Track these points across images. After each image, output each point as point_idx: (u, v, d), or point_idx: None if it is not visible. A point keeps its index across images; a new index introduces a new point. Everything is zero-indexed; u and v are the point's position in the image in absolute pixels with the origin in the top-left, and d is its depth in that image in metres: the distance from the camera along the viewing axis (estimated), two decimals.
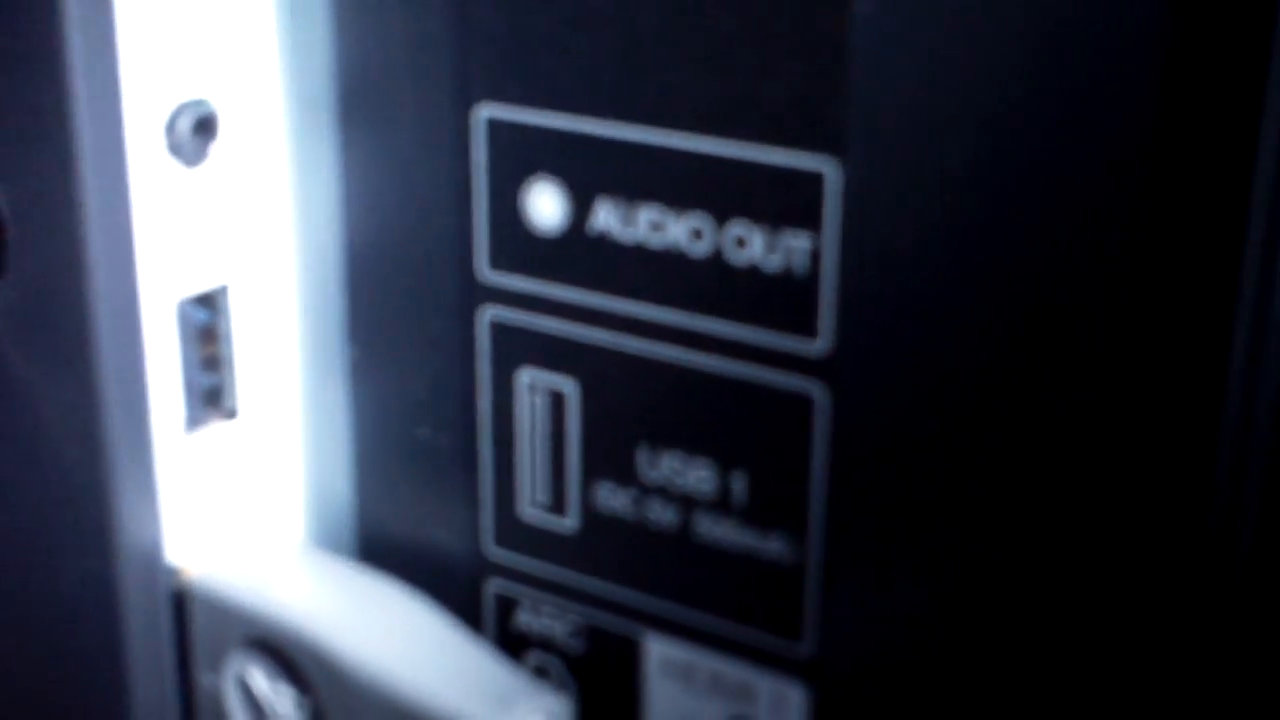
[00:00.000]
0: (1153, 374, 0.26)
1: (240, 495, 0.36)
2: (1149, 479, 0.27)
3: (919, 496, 0.29)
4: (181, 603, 0.35)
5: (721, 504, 0.31)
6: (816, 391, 0.29)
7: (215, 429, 0.36)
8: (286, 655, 0.33)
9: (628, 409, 0.32)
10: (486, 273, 0.33)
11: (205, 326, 0.35)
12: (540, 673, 0.34)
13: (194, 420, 0.35)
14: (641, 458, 0.32)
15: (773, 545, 0.31)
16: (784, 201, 0.29)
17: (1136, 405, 0.27)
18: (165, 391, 0.34)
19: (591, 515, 0.33)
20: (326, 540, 0.37)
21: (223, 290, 0.35)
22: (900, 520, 0.29)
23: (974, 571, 0.29)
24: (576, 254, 0.31)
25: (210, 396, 0.35)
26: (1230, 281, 0.25)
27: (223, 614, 0.34)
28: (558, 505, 0.33)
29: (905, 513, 0.29)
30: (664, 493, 0.32)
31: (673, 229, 0.30)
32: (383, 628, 0.33)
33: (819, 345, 0.29)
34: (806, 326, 0.29)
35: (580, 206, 0.31)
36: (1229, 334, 0.25)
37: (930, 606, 0.29)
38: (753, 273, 0.29)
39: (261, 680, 0.34)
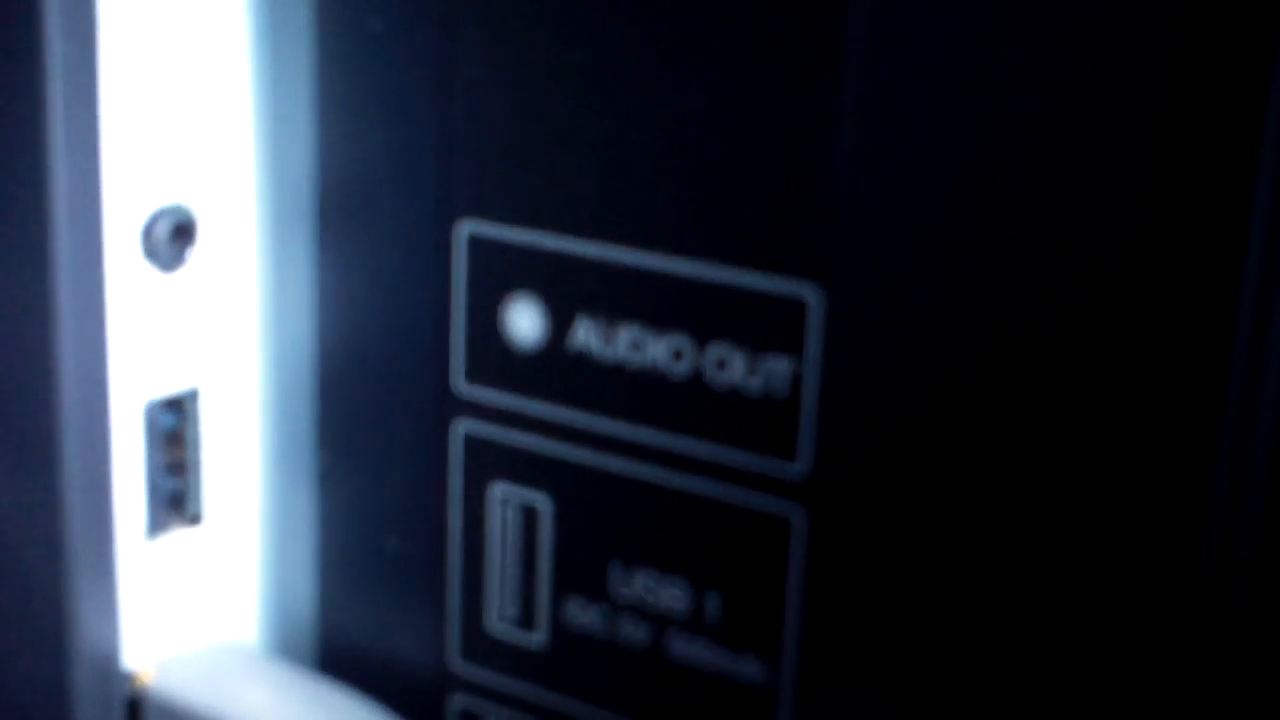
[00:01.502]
0: (1140, 452, 0.27)
1: (200, 602, 0.36)
2: (1139, 559, 0.27)
3: (897, 621, 0.29)
4: (136, 709, 0.35)
5: (695, 623, 0.31)
6: (794, 514, 0.29)
7: (178, 534, 0.35)
8: None
9: (601, 526, 0.32)
10: (462, 386, 0.33)
11: (172, 431, 0.35)
12: None
13: (156, 525, 0.35)
14: (614, 575, 0.32)
15: (746, 667, 0.31)
16: (766, 325, 0.29)
17: (1126, 489, 0.27)
18: (129, 495, 0.34)
19: (561, 631, 0.33)
20: (286, 648, 0.36)
21: (192, 394, 0.35)
22: (877, 645, 0.29)
23: (956, 697, 0.29)
24: (554, 371, 0.31)
25: (174, 501, 0.35)
26: (1227, 319, 0.25)
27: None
28: (527, 620, 0.33)
29: (882, 637, 0.29)
30: (636, 610, 0.32)
31: (653, 349, 0.30)
32: None
33: (798, 468, 0.29)
34: (786, 449, 0.29)
35: (560, 323, 0.31)
36: (1223, 374, 0.25)
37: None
38: (733, 394, 0.30)
39: None
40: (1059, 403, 0.27)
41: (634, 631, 0.32)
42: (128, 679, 0.34)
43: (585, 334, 0.31)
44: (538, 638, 0.33)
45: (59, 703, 0.34)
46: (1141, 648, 0.27)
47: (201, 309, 0.34)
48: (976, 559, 0.28)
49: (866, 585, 0.29)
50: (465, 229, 0.32)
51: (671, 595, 0.31)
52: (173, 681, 0.34)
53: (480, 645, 0.34)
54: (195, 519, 0.36)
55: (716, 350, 0.30)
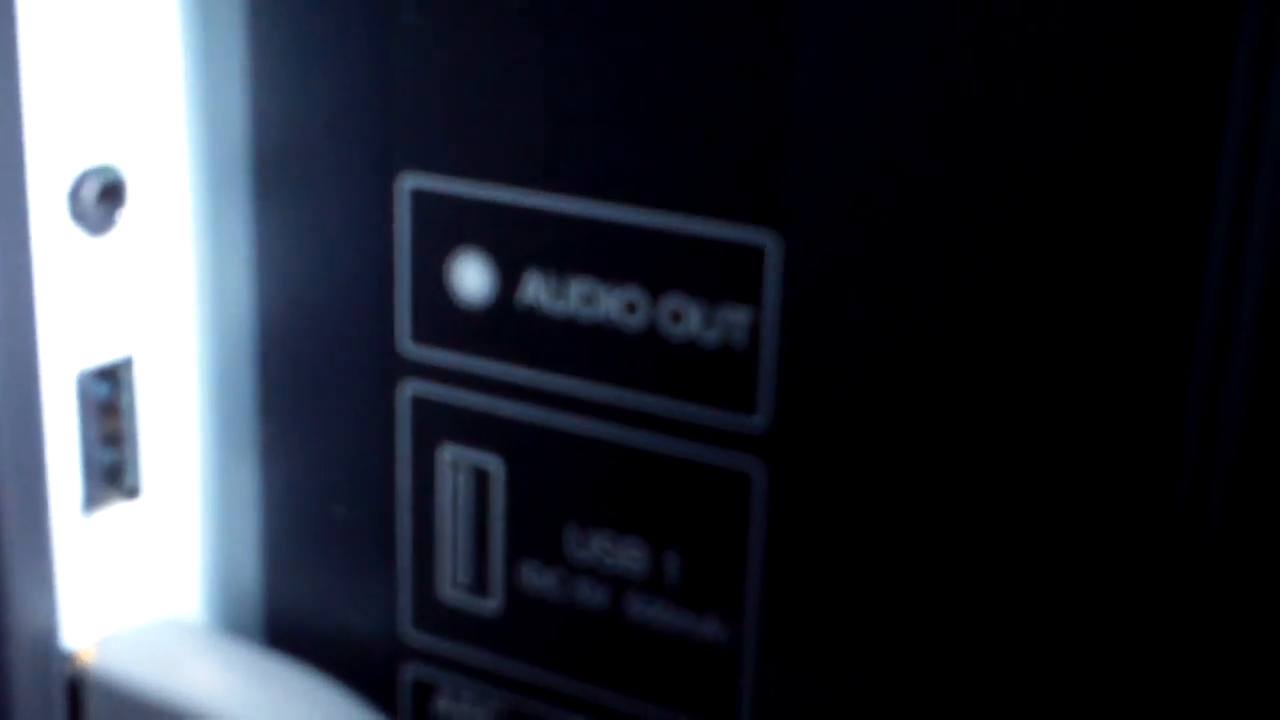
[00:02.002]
0: (1105, 438, 0.26)
1: (141, 578, 0.35)
2: (1106, 547, 0.26)
3: (861, 578, 0.28)
4: (76, 690, 0.33)
5: (654, 584, 0.30)
6: (755, 468, 0.29)
7: (115, 509, 0.34)
8: None
9: (556, 487, 0.31)
10: (408, 346, 0.32)
11: (106, 401, 0.34)
12: None
13: (93, 499, 0.34)
14: (570, 537, 0.31)
15: (707, 627, 0.30)
16: (722, 275, 0.28)
17: (1091, 477, 0.26)
18: (63, 469, 0.33)
19: (516, 596, 0.32)
20: (232, 623, 0.35)
21: (126, 362, 0.34)
22: (840, 602, 0.28)
23: (919, 655, 0.28)
24: (504, 327, 0.30)
25: (110, 474, 0.34)
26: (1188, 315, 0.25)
27: (121, 699, 0.33)
28: (480, 586, 0.32)
29: (846, 595, 0.28)
30: (593, 573, 0.31)
31: (605, 302, 0.29)
32: (290, 713, 0.32)
33: (757, 421, 0.28)
34: (744, 402, 0.28)
35: (508, 279, 0.30)
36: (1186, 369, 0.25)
37: (871, 691, 0.29)
38: (689, 347, 0.29)
39: None
40: (1024, 350, 0.26)
41: (592, 595, 0.31)
42: (68, 659, 0.33)
43: (535, 289, 0.30)
44: (492, 604, 0.32)
45: None
46: (1104, 596, 0.26)
47: (134, 274, 0.33)
48: (941, 513, 0.27)
49: (829, 541, 0.28)
50: (408, 183, 0.31)
51: (629, 556, 0.30)
52: (115, 660, 0.33)
53: (433, 613, 0.33)
54: (133, 492, 0.34)
55: (671, 302, 0.29)
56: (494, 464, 0.31)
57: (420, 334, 0.31)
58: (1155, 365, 0.25)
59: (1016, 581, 0.27)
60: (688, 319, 0.29)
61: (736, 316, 0.28)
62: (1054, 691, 0.27)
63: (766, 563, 0.29)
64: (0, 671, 0.33)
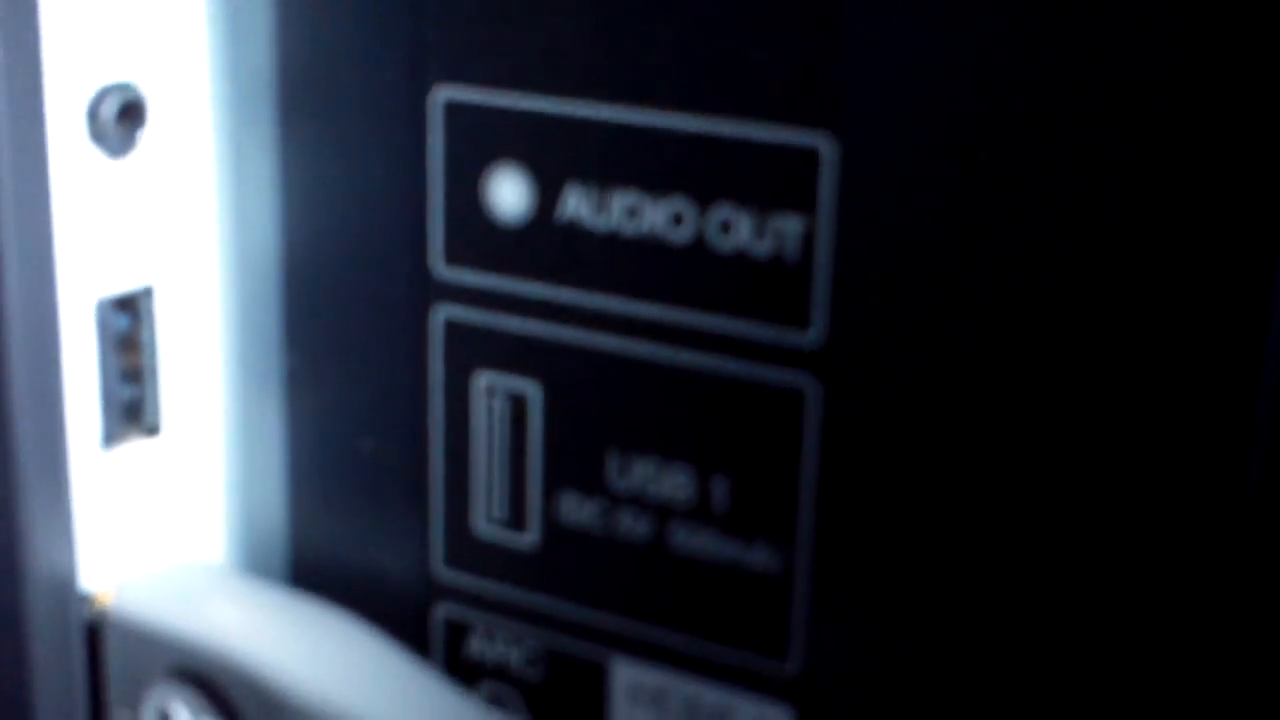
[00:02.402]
0: (1174, 368, 0.25)
1: (162, 517, 0.33)
2: (1168, 480, 0.25)
3: (917, 500, 0.27)
4: (95, 633, 0.32)
5: (700, 512, 0.29)
6: (807, 385, 0.27)
7: (135, 446, 0.33)
8: (214, 685, 0.31)
9: (596, 412, 0.29)
10: (441, 268, 0.30)
11: (126, 335, 0.32)
12: (495, 704, 0.32)
13: (112, 436, 0.32)
14: (611, 465, 0.29)
15: (757, 556, 0.28)
16: (774, 181, 0.27)
17: (1155, 401, 0.25)
18: (81, 404, 0.31)
19: (554, 530, 0.30)
20: (256, 565, 0.34)
21: (146, 292, 0.32)
22: (897, 526, 0.27)
23: (975, 582, 0.27)
24: (542, 245, 0.29)
25: (130, 411, 0.33)
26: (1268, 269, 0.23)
27: (142, 642, 0.31)
28: (516, 520, 0.31)
29: (902, 518, 0.27)
30: (636, 502, 0.29)
31: (650, 215, 0.28)
32: (320, 653, 0.31)
33: (811, 336, 0.27)
34: (797, 316, 0.27)
35: (547, 194, 0.29)
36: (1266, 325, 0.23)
37: (927, 621, 0.27)
38: (739, 259, 0.27)
39: (185, 715, 0.31)
40: (1094, 261, 0.25)
41: (634, 526, 0.29)
42: (86, 601, 0.32)
43: (575, 203, 0.29)
44: (529, 538, 0.31)
45: (13, 629, 0.31)
46: (1159, 544, 0.25)
47: (155, 198, 0.32)
48: (1001, 429, 0.26)
49: (885, 463, 0.27)
50: (441, 95, 0.29)
51: (674, 484, 0.29)
52: (135, 602, 0.32)
53: (467, 550, 0.31)
54: (153, 430, 0.33)
55: (720, 212, 0.27)
56: (531, 390, 0.30)
57: (454, 255, 0.30)
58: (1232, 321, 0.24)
59: (1081, 511, 0.26)
60: (737, 230, 0.27)
61: (789, 226, 0.27)
62: (1114, 631, 0.26)
63: (820, 486, 0.28)
64: (16, 614, 0.31)
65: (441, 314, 0.30)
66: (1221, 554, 0.25)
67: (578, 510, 0.30)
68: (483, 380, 0.30)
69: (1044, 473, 0.26)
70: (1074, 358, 0.25)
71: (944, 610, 0.27)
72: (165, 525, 0.33)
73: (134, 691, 0.32)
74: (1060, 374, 0.25)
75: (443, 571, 0.32)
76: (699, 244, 0.28)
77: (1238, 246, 0.24)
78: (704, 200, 0.27)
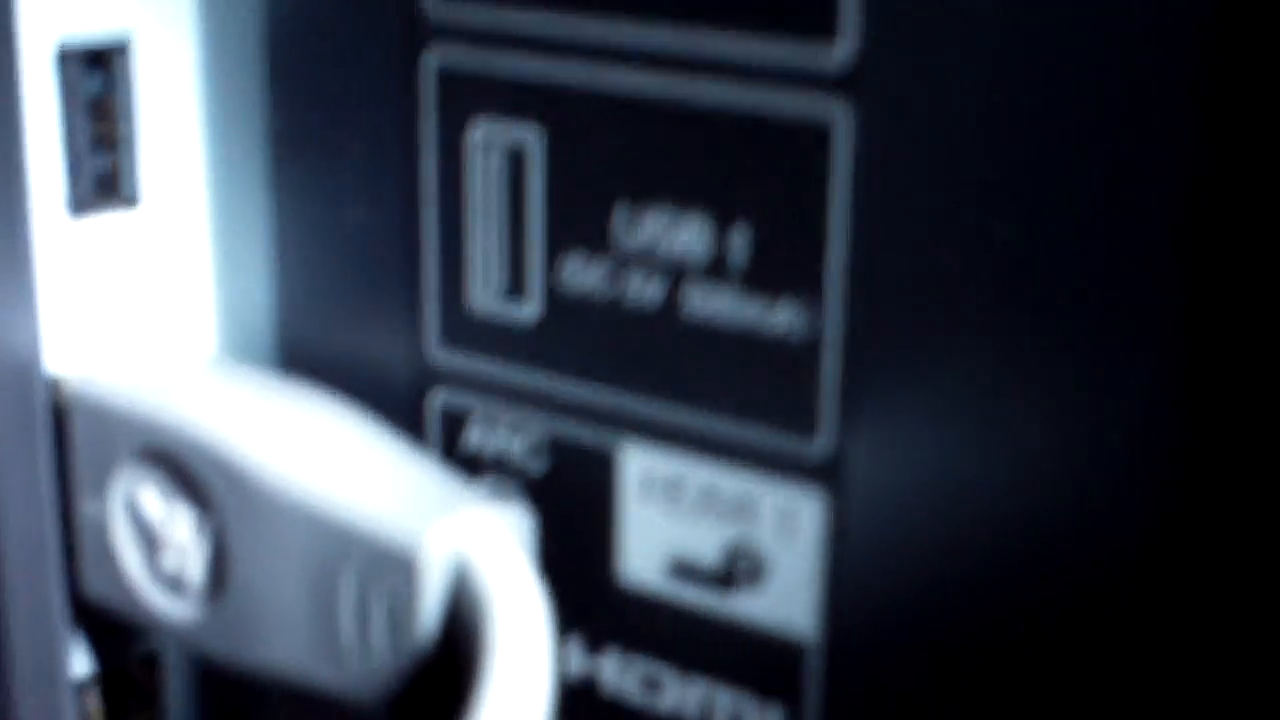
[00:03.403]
0: None
1: (140, 297, 0.30)
2: None
3: (964, 245, 0.23)
4: (61, 418, 0.29)
5: (717, 270, 0.25)
6: (836, 113, 0.24)
7: (110, 218, 0.30)
8: (183, 466, 0.28)
9: (602, 160, 0.26)
10: (433, 5, 0.27)
11: (98, 98, 0.29)
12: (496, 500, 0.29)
13: (81, 204, 0.29)
14: (619, 220, 0.26)
15: (780, 318, 0.25)
16: None
17: None
18: (46, 167, 0.28)
19: (556, 299, 0.27)
20: (241, 349, 0.31)
21: (120, 49, 0.29)
22: (939, 277, 0.23)
23: (1024, 349, 0.23)
24: None
25: (104, 182, 0.30)
26: None
27: (109, 425, 0.29)
28: (516, 290, 0.27)
29: (945, 267, 0.23)
30: (646, 262, 0.26)
31: None
32: (300, 434, 0.28)
33: (840, 53, 0.23)
34: (824, 29, 0.23)
35: None
36: None
37: (972, 387, 0.23)
38: None
39: (154, 500, 0.28)
40: None
41: (644, 289, 0.26)
42: (52, 385, 0.29)
43: None
44: (530, 310, 0.27)
45: None
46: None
47: None
48: (1054, 164, 0.22)
49: (929, 201, 0.23)
50: None
51: (688, 238, 0.25)
52: (103, 383, 0.29)
53: (463, 327, 0.28)
54: (131, 200, 0.30)
55: None
56: (531, 140, 0.26)
57: None
58: None
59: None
60: None
61: None
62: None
63: (853, 231, 0.24)
64: None
65: (434, 59, 0.27)
66: None
67: (582, 274, 0.26)
68: (479, 132, 0.27)
69: (1104, 220, 0.22)
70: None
71: (990, 376, 0.23)
72: (143, 307, 0.30)
73: (102, 481, 0.29)
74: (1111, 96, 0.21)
75: (438, 354, 0.28)
76: None
77: None
78: None
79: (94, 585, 0.30)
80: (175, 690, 0.33)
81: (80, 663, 0.31)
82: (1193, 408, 0.22)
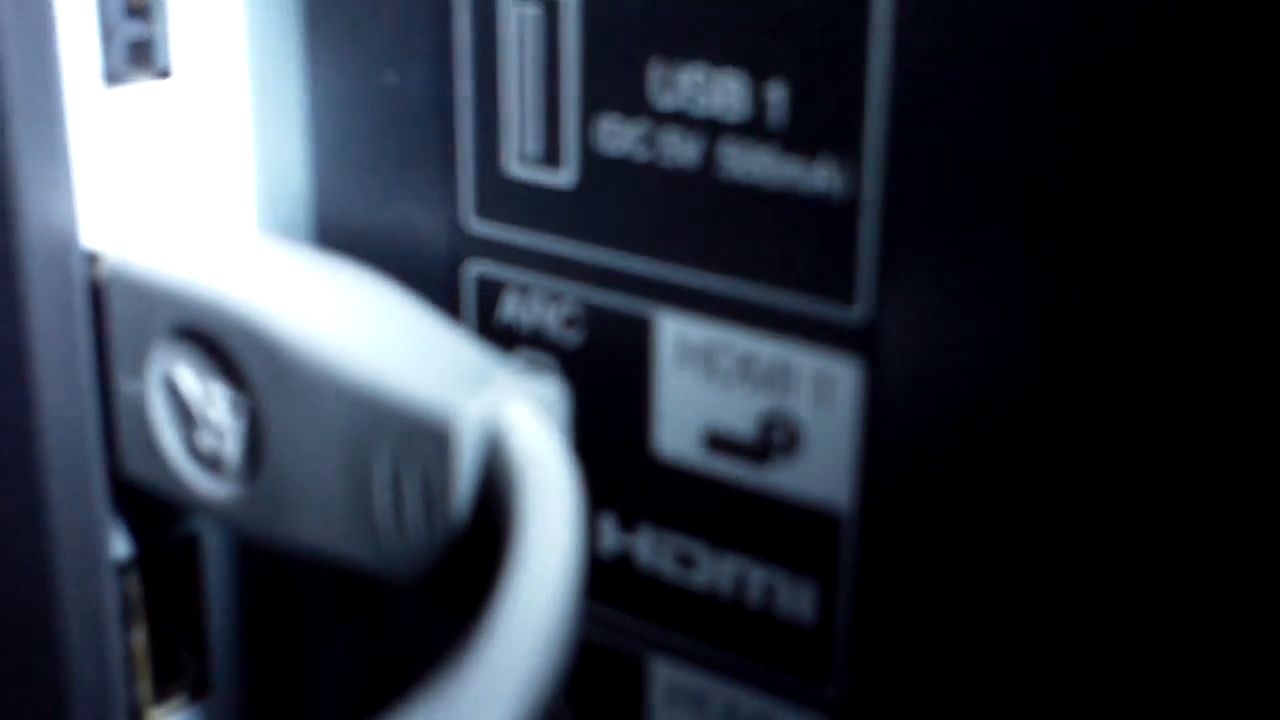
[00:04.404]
0: None
1: (175, 170, 0.30)
2: None
3: (1006, 102, 0.22)
4: (99, 294, 0.29)
5: (755, 127, 0.24)
6: None
7: (144, 88, 0.29)
8: (219, 343, 0.27)
9: (638, 17, 0.25)
10: None
11: None
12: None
13: (115, 76, 0.29)
14: (654, 78, 0.25)
15: (818, 177, 0.24)
16: None
17: None
18: (79, 33, 0.28)
19: (592, 162, 0.26)
20: (277, 224, 0.30)
21: None
22: (979, 136, 0.22)
23: (1066, 211, 0.22)
24: None
25: (138, 51, 0.29)
26: None
27: (147, 300, 0.28)
28: (551, 155, 0.27)
29: (986, 125, 0.22)
30: (682, 120, 0.25)
31: None
32: (334, 309, 0.27)
33: None
34: None
35: None
36: None
37: (1011, 253, 0.22)
38: None
39: (190, 378, 0.28)
40: None
41: (681, 149, 0.25)
42: (89, 259, 0.29)
43: None
44: (566, 175, 0.27)
45: (9, 287, 0.28)
46: None
47: None
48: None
49: (964, 55, 0.22)
50: None
51: (726, 94, 0.24)
52: (140, 258, 0.29)
53: (498, 195, 0.27)
54: (165, 72, 0.29)
55: None
56: None
57: None
58: None
59: None
60: None
61: None
62: None
63: (890, 88, 0.23)
64: (12, 270, 0.28)
65: None
66: None
67: (618, 136, 0.26)
68: None
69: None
70: None
71: (1035, 241, 0.22)
72: (178, 179, 0.30)
73: (139, 357, 0.29)
74: None
75: (473, 224, 0.28)
76: None
77: None
78: None
79: (133, 465, 0.29)
80: (215, 573, 0.33)
81: (121, 545, 0.31)
82: (1226, 277, 0.21)
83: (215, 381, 0.28)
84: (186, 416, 0.28)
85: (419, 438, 0.25)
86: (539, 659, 0.22)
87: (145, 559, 0.31)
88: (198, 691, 0.33)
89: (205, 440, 0.28)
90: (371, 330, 0.27)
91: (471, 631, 0.22)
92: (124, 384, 0.29)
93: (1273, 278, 0.20)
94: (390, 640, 0.33)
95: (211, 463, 0.28)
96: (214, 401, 0.28)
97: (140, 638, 0.32)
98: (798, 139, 0.24)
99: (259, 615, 0.34)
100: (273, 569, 0.32)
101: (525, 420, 0.25)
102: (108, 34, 0.28)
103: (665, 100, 0.25)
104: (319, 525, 0.27)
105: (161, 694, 0.33)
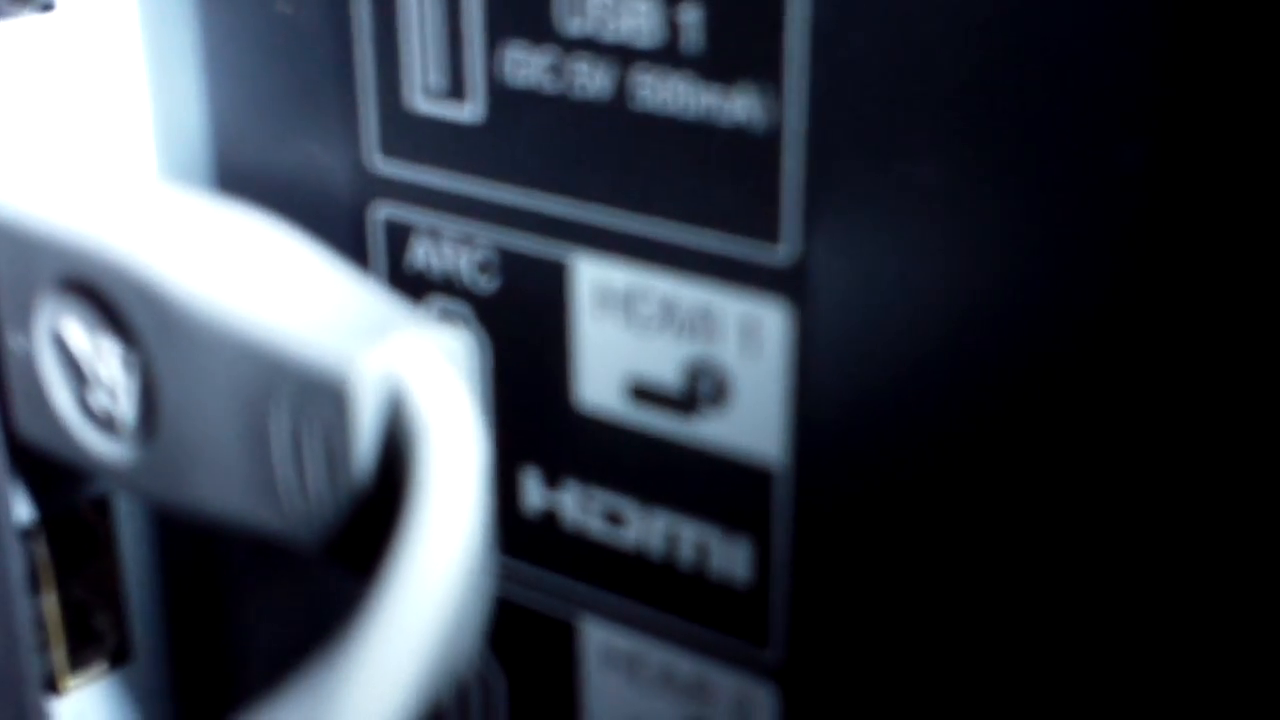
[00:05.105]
0: None
1: (59, 109, 0.28)
2: None
3: (937, 23, 0.20)
4: None
5: (668, 53, 0.22)
6: None
7: (26, 23, 0.27)
8: (104, 295, 0.25)
9: None
10: None
11: None
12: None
13: None
14: (561, 3, 0.23)
15: (738, 106, 0.22)
16: None
17: None
18: None
19: (499, 95, 0.24)
20: (172, 165, 0.28)
21: None
22: (908, 60, 0.20)
23: (998, 142, 0.20)
24: None
25: None
26: None
27: (30, 251, 0.26)
28: (456, 87, 0.25)
29: (914, 49, 0.20)
30: (591, 48, 0.23)
31: None
32: (228, 258, 0.25)
33: None
34: None
35: None
36: None
37: (942, 187, 0.21)
38: None
39: (79, 333, 0.26)
40: None
41: (590, 79, 0.23)
42: None
43: None
44: (472, 109, 0.25)
45: None
46: None
47: None
48: None
49: None
50: None
51: (636, 17, 0.22)
52: (25, 207, 0.27)
53: (403, 132, 0.25)
54: (47, 6, 0.27)
55: None
56: None
57: None
58: None
59: None
60: None
61: None
62: None
63: (813, 8, 0.21)
64: None
65: None
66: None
67: (524, 66, 0.24)
68: None
69: None
70: None
71: (963, 173, 0.20)
72: (66, 120, 0.28)
73: (25, 311, 0.27)
74: None
75: (379, 162, 0.26)
76: None
77: None
78: None
79: (27, 426, 0.28)
80: (129, 535, 0.31)
81: (23, 508, 0.29)
82: (1160, 203, 0.19)
83: (105, 336, 0.26)
84: (77, 374, 0.26)
85: (316, 394, 0.23)
86: (433, 622, 0.20)
87: (52, 522, 0.30)
88: (118, 659, 0.32)
89: (98, 399, 0.26)
90: (267, 281, 0.25)
91: (366, 597, 0.21)
92: (11, 340, 0.27)
93: (1193, 198, 0.19)
94: (318, 602, 0.31)
95: (106, 423, 0.26)
96: (104, 358, 0.26)
97: (51, 604, 0.30)
98: (715, 65, 0.22)
99: (179, 578, 0.32)
100: (191, 530, 0.31)
101: (428, 371, 0.23)
102: None
103: (573, 25, 0.23)
104: (219, 488, 0.25)
105: (79, 662, 0.31)
